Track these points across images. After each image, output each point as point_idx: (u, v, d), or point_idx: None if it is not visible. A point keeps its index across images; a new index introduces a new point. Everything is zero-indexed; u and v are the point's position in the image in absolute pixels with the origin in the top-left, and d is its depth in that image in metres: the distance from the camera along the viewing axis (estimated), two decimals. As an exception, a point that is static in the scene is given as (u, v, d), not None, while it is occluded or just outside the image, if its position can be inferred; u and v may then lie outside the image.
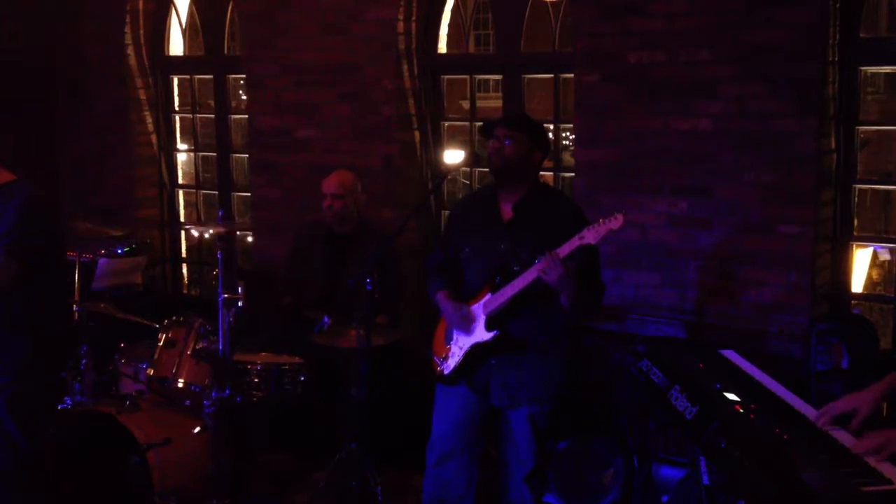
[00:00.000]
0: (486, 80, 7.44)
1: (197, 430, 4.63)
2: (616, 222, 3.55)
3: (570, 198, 4.41)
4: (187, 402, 4.68)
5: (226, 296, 4.32)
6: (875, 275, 6.29)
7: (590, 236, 3.59)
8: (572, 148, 5.61)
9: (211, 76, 6.94)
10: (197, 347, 4.63)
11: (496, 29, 5.95)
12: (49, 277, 3.89)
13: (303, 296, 5.38)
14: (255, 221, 6.59)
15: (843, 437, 3.02)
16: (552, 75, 5.71)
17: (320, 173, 5.52)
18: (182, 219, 7.39)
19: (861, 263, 5.27)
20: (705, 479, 3.84)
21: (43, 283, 3.83)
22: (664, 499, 4.61)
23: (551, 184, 5.53)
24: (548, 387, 3.94)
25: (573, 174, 5.47)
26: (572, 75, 5.34)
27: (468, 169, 6.21)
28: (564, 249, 3.61)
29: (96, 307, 5.09)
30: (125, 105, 7.01)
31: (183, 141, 7.32)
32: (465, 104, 6.87)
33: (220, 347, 4.36)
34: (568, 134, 6.27)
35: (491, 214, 3.98)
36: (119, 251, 6.34)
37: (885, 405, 3.24)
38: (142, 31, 6.98)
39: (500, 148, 3.88)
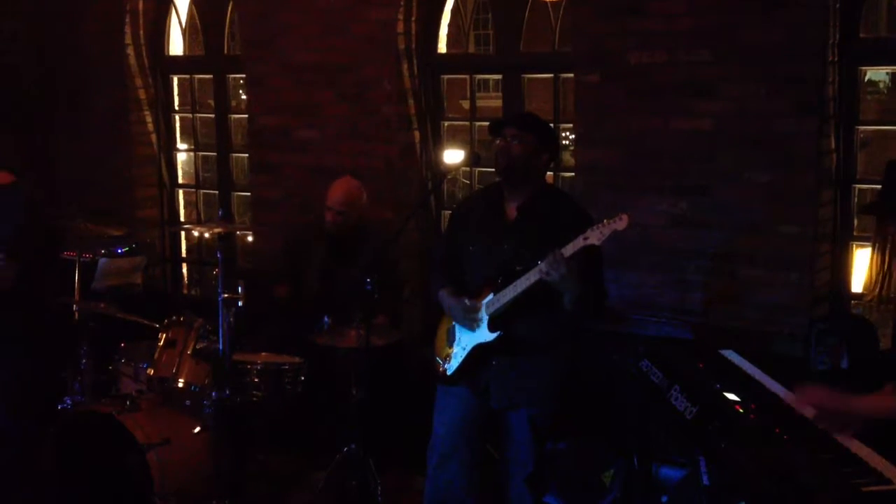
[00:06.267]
0: (486, 80, 7.43)
1: (197, 430, 4.62)
2: (621, 223, 3.53)
3: (575, 199, 4.40)
4: (187, 402, 4.68)
5: (226, 296, 4.32)
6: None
7: (594, 237, 3.56)
8: (572, 148, 5.61)
9: (211, 76, 6.94)
10: (197, 347, 4.63)
11: (496, 29, 5.95)
12: (46, 279, 3.91)
13: (301, 291, 5.38)
14: (255, 221, 6.59)
15: (843, 437, 3.02)
16: (552, 75, 5.71)
17: (320, 173, 5.52)
18: (182, 218, 7.39)
19: (861, 263, 5.26)
20: (705, 479, 3.84)
21: (40, 286, 3.86)
22: (664, 499, 4.61)
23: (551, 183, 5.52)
24: (548, 388, 3.93)
25: (573, 174, 5.46)
26: (572, 75, 5.34)
27: (468, 169, 6.22)
28: (568, 250, 3.59)
29: (96, 307, 5.09)
30: (125, 105, 7.01)
31: (183, 141, 7.33)
32: (465, 104, 6.86)
33: (220, 347, 4.36)
34: (568, 134, 6.27)
35: (496, 214, 3.96)
36: (119, 251, 6.33)
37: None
38: (142, 31, 6.98)
39: (507, 148, 3.87)
